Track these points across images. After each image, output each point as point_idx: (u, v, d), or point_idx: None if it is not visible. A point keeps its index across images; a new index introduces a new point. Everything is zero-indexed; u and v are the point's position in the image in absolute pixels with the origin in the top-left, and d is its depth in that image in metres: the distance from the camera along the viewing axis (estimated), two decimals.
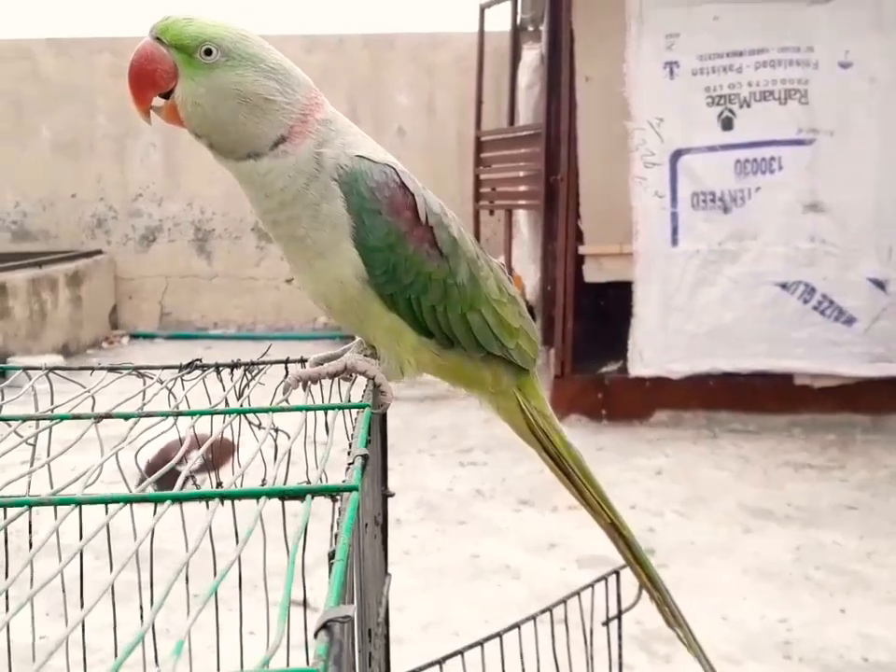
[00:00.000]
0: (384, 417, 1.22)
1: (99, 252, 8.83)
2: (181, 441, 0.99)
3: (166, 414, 0.91)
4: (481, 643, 1.54)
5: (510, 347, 1.30)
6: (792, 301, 5.39)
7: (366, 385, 1.09)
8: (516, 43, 7.26)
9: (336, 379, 1.16)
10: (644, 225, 5.47)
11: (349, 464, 0.71)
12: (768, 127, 5.37)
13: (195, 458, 1.01)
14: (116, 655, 1.34)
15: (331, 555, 0.54)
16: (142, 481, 0.84)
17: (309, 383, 1.12)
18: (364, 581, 0.82)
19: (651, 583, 1.47)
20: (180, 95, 1.10)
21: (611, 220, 5.55)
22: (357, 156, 1.15)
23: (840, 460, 4.92)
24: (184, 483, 0.89)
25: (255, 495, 0.65)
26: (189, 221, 8.95)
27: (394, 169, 1.17)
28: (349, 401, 1.03)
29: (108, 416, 0.91)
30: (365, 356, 1.18)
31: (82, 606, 1.24)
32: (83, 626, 1.21)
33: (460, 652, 1.51)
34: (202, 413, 0.93)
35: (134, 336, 8.88)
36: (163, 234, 8.97)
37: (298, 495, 0.65)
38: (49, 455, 1.07)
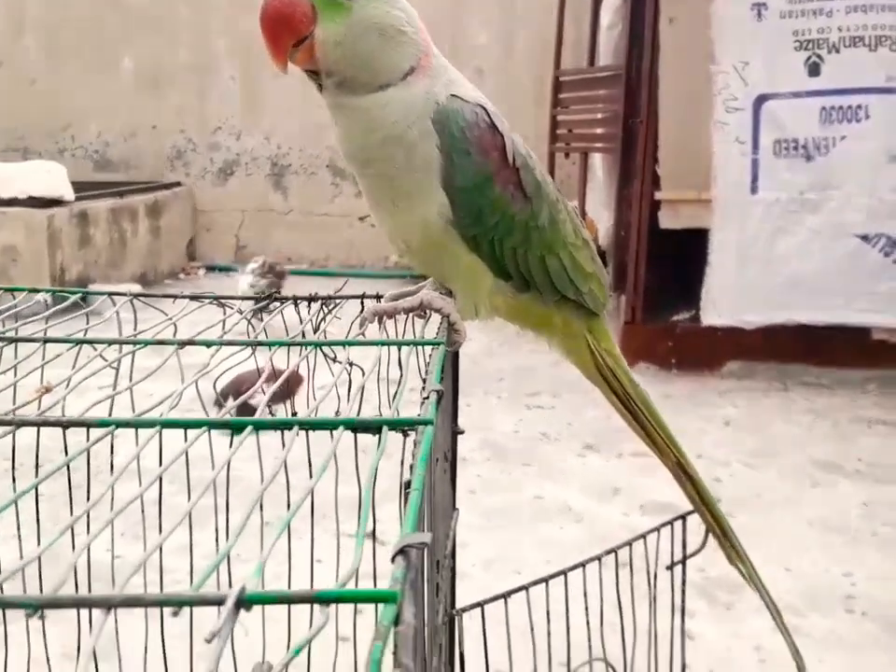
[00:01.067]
0: (455, 356, 1.23)
1: (178, 184, 8.95)
2: (259, 371, 1.01)
3: (246, 343, 0.94)
4: (545, 580, 1.56)
5: (583, 291, 1.30)
6: (873, 254, 5.26)
7: (440, 323, 1.10)
8: None
9: (410, 315, 1.18)
10: (723, 171, 5.37)
11: (424, 398, 0.73)
12: (856, 74, 5.21)
13: (269, 389, 1.03)
14: (191, 576, 1.39)
15: (407, 485, 0.56)
16: (218, 406, 0.86)
17: (385, 317, 1.14)
18: (434, 513, 0.84)
19: (717, 523, 1.48)
20: (321, 36, 1.09)
21: (690, 166, 5.45)
22: (451, 95, 1.15)
23: None
24: (261, 411, 0.92)
25: (332, 425, 0.67)
26: (265, 156, 9.01)
27: (485, 109, 1.17)
28: (423, 338, 1.04)
29: (191, 343, 0.93)
30: (440, 294, 1.19)
31: (160, 528, 1.29)
32: (161, 549, 1.26)
33: (525, 588, 1.54)
34: (280, 344, 0.95)
35: (210, 268, 9.01)
36: (241, 168, 9.05)
37: (374, 427, 0.66)
38: (131, 380, 1.10)
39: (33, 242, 6.68)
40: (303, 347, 0.97)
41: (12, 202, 6.74)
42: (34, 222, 6.70)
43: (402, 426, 0.66)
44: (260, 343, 0.94)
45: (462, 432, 1.23)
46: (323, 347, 1.00)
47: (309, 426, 0.69)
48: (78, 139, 9.08)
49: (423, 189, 1.14)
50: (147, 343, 0.93)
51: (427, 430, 0.63)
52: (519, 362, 5.75)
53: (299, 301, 1.22)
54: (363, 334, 1.06)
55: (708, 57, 5.34)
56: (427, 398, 0.71)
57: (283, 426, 0.68)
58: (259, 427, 0.70)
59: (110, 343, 0.96)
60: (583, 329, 1.36)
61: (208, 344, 0.95)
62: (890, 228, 5.22)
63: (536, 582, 1.54)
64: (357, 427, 0.67)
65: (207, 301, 1.20)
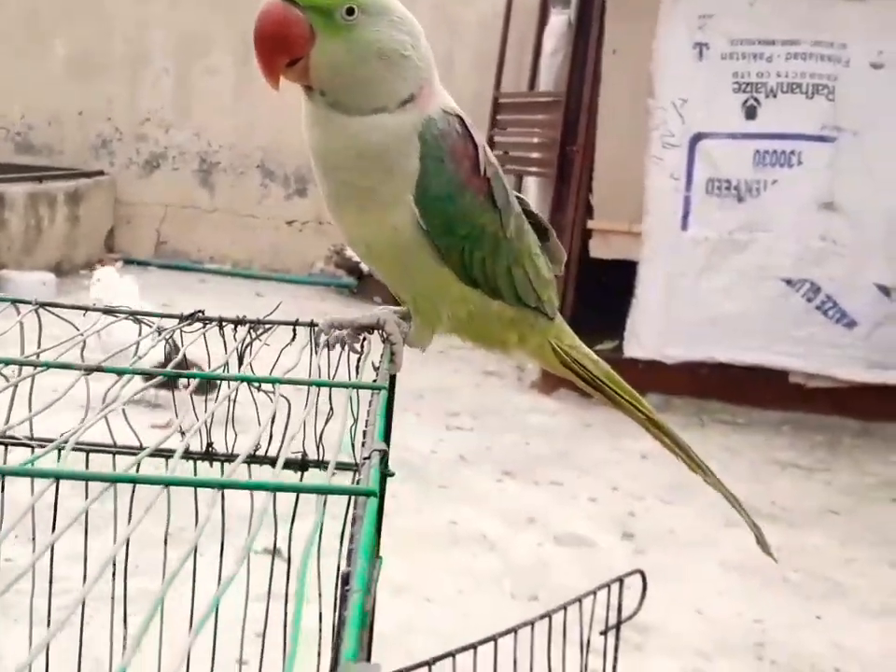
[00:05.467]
0: (391, 395, 1.16)
1: (101, 173, 8.68)
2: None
3: (164, 374, 0.85)
4: (474, 646, 1.49)
5: (543, 299, 1.32)
6: (796, 299, 5.32)
7: (381, 355, 1.03)
8: (545, 6, 7.11)
9: (345, 349, 1.13)
10: (656, 206, 5.38)
11: (365, 458, 0.64)
12: (792, 120, 5.28)
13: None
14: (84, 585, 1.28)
15: (345, 579, 0.47)
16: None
17: (339, 331, 1.10)
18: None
19: (692, 460, 1.48)
20: (316, 59, 1.05)
21: (623, 197, 5.46)
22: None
23: (827, 462, 4.89)
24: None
25: (267, 488, 0.58)
26: (194, 151, 8.79)
27: (460, 118, 1.16)
28: (360, 381, 0.96)
29: (99, 369, 0.84)
30: (396, 319, 1.17)
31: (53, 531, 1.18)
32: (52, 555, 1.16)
33: (451, 654, 1.46)
34: (206, 377, 0.86)
35: (128, 262, 8.73)
36: (167, 162, 8.82)
37: (313, 492, 0.58)
38: (30, 402, 1.00)
39: None
40: (228, 382, 0.88)
41: None
42: None
43: (342, 493, 0.58)
44: (182, 375, 0.85)
45: (392, 475, 1.15)
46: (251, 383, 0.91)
47: (239, 487, 0.60)
48: (0, 120, 8.77)
49: (395, 196, 1.11)
50: (49, 366, 0.84)
51: (370, 503, 0.54)
52: (440, 381, 5.68)
53: (224, 324, 1.12)
54: (317, 348, 0.99)
55: (648, 91, 5.35)
56: (369, 458, 0.63)
57: (204, 485, 0.60)
58: (170, 484, 0.61)
59: (8, 362, 0.86)
60: (544, 333, 1.37)
61: (119, 372, 0.85)
62: (815, 274, 5.29)
63: (463, 649, 1.46)
64: (294, 490, 0.58)
65: (122, 316, 1.10)
